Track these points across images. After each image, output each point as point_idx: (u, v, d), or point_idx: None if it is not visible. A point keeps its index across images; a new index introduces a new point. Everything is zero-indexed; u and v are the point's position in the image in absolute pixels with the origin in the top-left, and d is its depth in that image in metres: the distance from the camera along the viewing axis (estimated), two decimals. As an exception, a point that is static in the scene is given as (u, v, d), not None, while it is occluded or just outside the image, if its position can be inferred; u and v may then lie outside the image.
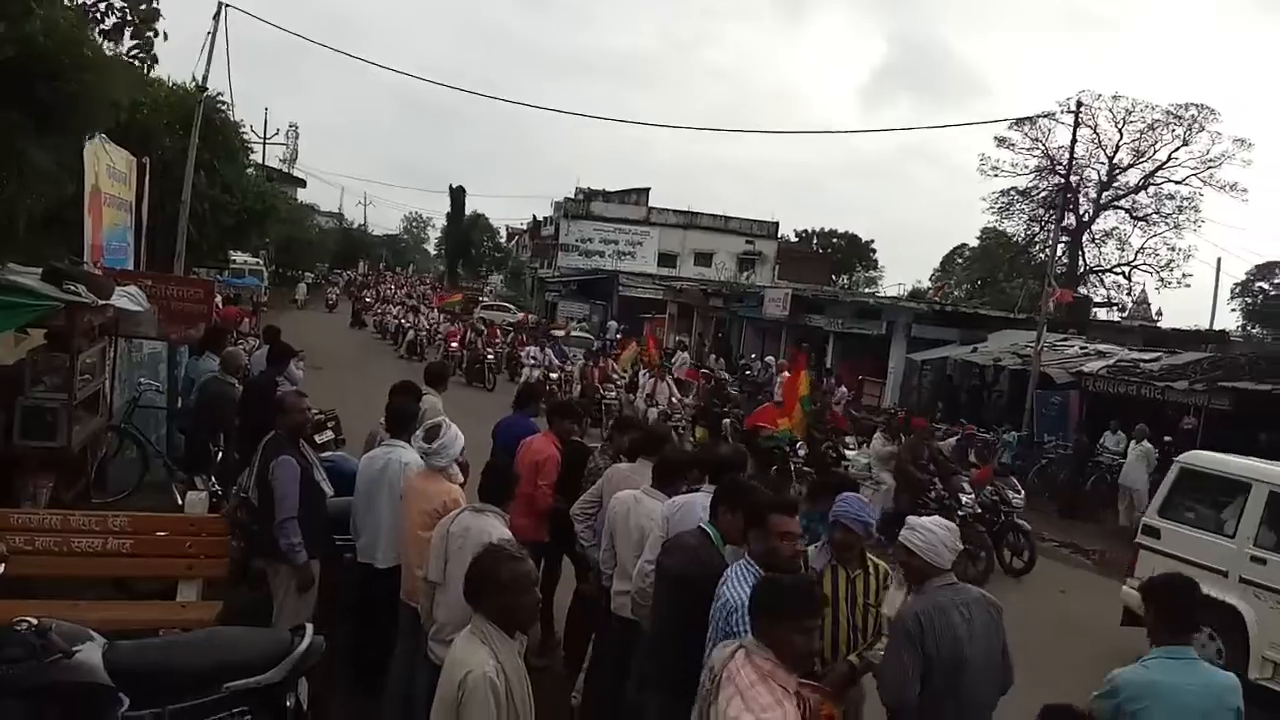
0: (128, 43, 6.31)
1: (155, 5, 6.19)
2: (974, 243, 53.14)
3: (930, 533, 4.00)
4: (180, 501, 6.82)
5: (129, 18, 6.04)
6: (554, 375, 22.16)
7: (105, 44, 6.18)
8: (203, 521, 6.20)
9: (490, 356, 24.92)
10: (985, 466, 13.09)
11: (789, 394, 14.68)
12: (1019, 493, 12.08)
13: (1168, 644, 3.66)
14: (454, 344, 27.28)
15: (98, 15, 6.03)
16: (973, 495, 11.40)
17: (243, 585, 6.38)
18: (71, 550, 5.79)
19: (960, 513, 10.76)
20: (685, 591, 4.22)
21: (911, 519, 4.18)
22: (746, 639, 3.25)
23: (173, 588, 6.02)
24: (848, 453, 14.62)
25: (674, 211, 54.84)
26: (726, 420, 17.01)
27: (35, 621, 3.98)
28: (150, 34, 6.28)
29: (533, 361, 23.25)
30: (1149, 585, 3.89)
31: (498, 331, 30.12)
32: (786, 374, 22.95)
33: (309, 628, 4.52)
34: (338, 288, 56.93)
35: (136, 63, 6.52)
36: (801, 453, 13.89)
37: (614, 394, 19.67)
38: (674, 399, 18.19)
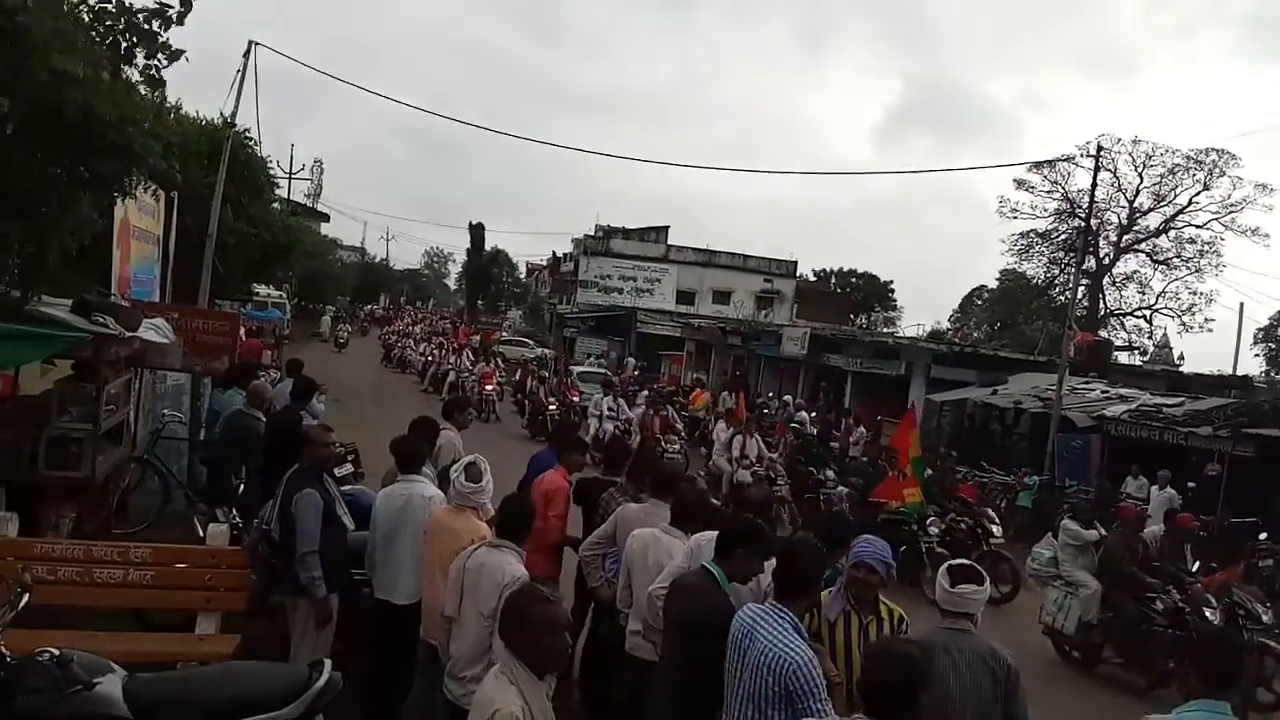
0: (140, 64, 6.36)
1: (163, 39, 6.28)
2: (993, 284, 53.14)
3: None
4: (201, 533, 6.85)
5: (137, 41, 6.11)
6: (635, 434, 18.17)
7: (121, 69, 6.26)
8: (223, 554, 6.22)
9: (553, 407, 21.95)
10: (1228, 569, 10.66)
11: (900, 457, 12.45)
12: (1268, 607, 9.44)
13: (1205, 697, 3.57)
14: (489, 386, 24.76)
15: (115, 40, 6.11)
16: (1217, 609, 8.93)
17: (260, 619, 6.38)
18: (93, 581, 5.82)
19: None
20: (694, 637, 4.19)
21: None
22: None
23: (191, 620, 6.02)
24: (996, 530, 12.08)
25: (693, 249, 55.13)
26: (842, 489, 14.47)
27: (57, 652, 4.00)
28: (158, 61, 6.36)
29: (609, 414, 19.66)
30: (1193, 639, 3.86)
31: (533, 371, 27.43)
32: (804, 414, 22.90)
33: (327, 663, 4.51)
34: (348, 325, 49.36)
35: (146, 88, 6.61)
36: (934, 530, 11.59)
37: (677, 446, 17.32)
38: (764, 458, 15.31)
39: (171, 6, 6.22)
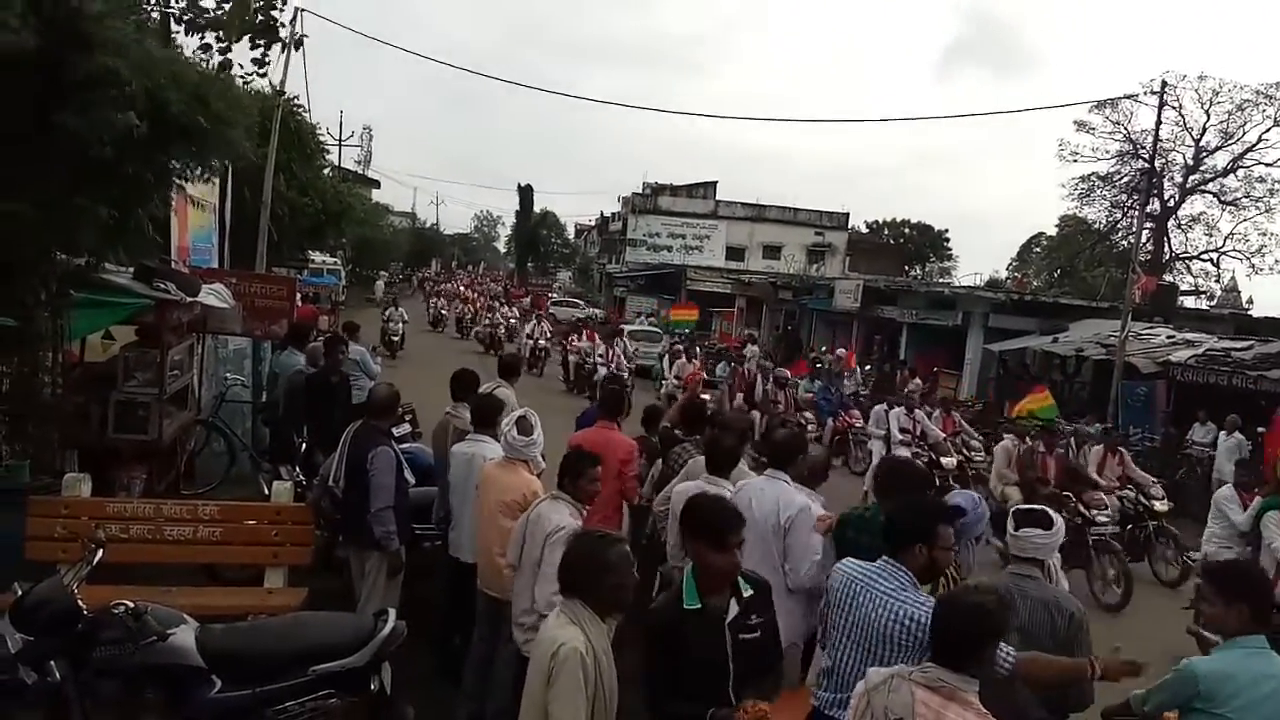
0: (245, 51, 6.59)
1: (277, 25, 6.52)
2: (1052, 231, 51.80)
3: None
4: (267, 492, 7.00)
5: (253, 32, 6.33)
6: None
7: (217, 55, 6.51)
8: (288, 510, 6.35)
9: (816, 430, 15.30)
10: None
11: None
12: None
13: (1241, 634, 3.51)
14: (705, 394, 14.68)
15: (200, 27, 6.31)
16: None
17: (325, 573, 6.54)
18: (164, 538, 6.00)
19: None
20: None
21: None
22: (925, 670, 3.02)
23: (260, 574, 6.18)
24: None
25: (742, 204, 54.57)
26: None
27: (131, 605, 4.15)
28: (267, 49, 6.62)
29: (901, 436, 13.41)
30: (1222, 574, 3.79)
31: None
32: (853, 363, 22.40)
33: (391, 613, 4.62)
34: (403, 310, 27.64)
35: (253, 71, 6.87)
36: None
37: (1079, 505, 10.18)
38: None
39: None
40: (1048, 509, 4.18)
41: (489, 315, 33.85)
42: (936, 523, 3.73)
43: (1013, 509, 4.20)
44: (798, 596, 4.73)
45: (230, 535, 6.14)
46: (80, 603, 4.08)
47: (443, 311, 39.09)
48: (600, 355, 21.69)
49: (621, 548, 3.28)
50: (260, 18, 6.34)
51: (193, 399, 9.24)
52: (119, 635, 4.03)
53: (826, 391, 16.97)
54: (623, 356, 21.68)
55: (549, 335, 27.73)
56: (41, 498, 6.04)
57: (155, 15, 6.35)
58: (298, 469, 7.65)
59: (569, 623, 3.12)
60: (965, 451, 13.58)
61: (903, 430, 13.45)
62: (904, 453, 12.41)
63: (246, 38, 6.41)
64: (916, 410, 13.82)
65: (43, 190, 5.58)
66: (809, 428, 14.85)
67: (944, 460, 12.70)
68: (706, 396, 17.20)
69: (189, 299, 7.66)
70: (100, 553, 4.33)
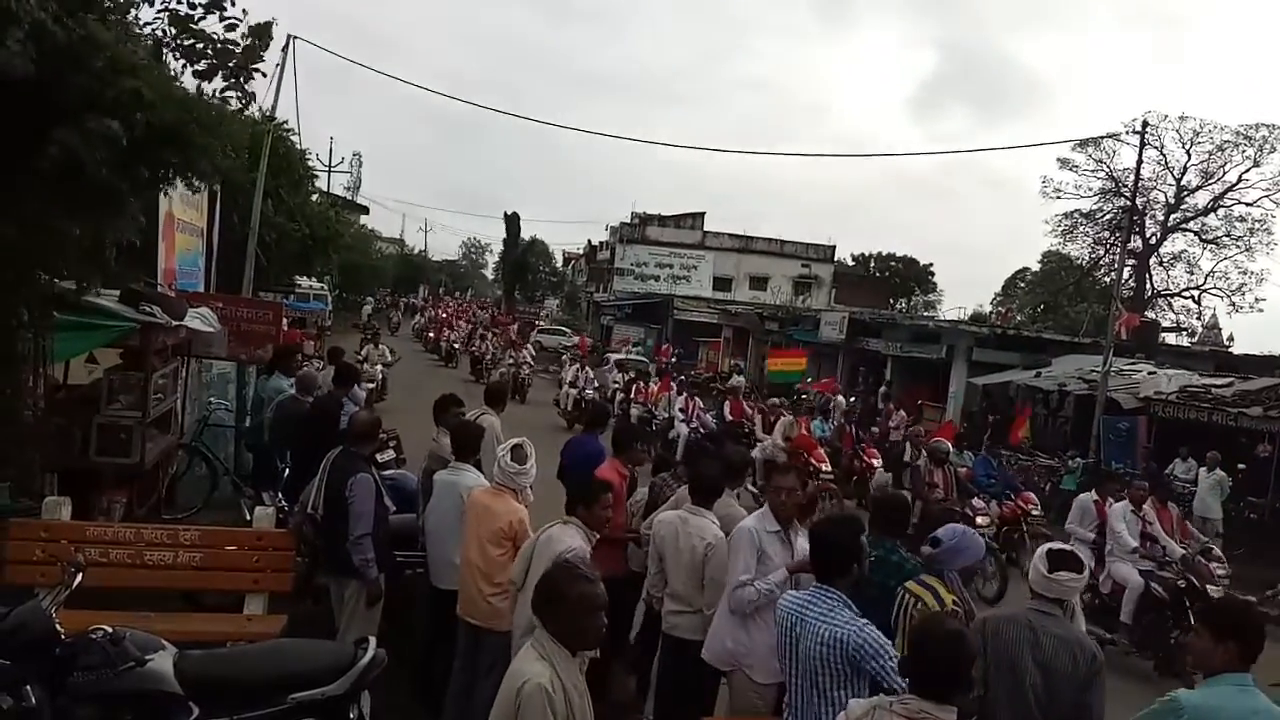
0: (219, 83, 6.66)
1: (259, 54, 6.57)
2: (1036, 266, 52.31)
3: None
4: (248, 517, 6.97)
5: (227, 62, 6.40)
6: None
7: (198, 83, 6.59)
8: (270, 536, 6.32)
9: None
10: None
11: None
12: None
13: (1226, 671, 3.48)
14: (824, 468, 14.08)
15: (192, 56, 6.36)
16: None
17: (305, 599, 6.49)
18: (144, 563, 5.95)
19: None
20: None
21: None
22: (904, 702, 3.03)
23: (240, 600, 6.14)
24: None
25: (729, 235, 54.91)
26: None
27: (110, 630, 4.11)
28: (246, 79, 6.67)
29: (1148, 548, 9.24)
30: (1215, 612, 3.80)
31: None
32: (841, 397, 22.50)
33: (371, 641, 4.60)
34: (387, 350, 23.05)
35: (233, 101, 6.94)
36: None
37: None
38: None
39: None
40: (1076, 552, 4.19)
41: (513, 354, 28.37)
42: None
43: (1045, 549, 4.15)
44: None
45: (211, 560, 6.10)
46: (58, 627, 4.04)
47: (454, 345, 34.44)
48: (680, 410, 18.02)
49: (587, 588, 3.14)
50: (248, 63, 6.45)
51: (176, 423, 9.19)
52: (97, 660, 3.99)
53: (987, 464, 12.96)
54: (703, 412, 18.33)
55: (595, 384, 22.82)
56: (21, 520, 5.99)
57: (159, 47, 6.41)
58: (280, 494, 7.62)
59: (537, 658, 3.06)
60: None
61: (1143, 538, 9.14)
62: (1134, 573, 8.88)
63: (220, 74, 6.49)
64: (1145, 506, 9.32)
65: (25, 211, 5.60)
66: (979, 520, 10.85)
67: (1209, 588, 8.40)
68: (826, 465, 13.89)
69: (174, 322, 7.65)
70: (79, 577, 4.30)
